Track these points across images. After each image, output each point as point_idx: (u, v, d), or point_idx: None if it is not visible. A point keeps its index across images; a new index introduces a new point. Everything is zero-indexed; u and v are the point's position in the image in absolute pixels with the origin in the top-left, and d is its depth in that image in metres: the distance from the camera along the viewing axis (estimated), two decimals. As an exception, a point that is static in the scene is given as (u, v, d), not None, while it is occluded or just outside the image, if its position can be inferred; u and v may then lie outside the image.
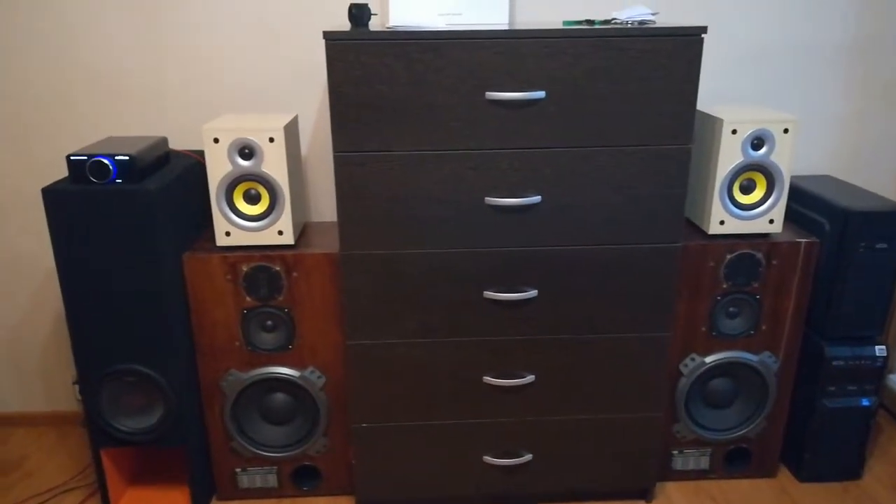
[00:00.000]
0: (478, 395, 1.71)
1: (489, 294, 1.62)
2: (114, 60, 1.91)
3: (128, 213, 1.56)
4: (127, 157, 1.55)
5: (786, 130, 1.65)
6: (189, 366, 1.73)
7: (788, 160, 1.67)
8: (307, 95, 1.95)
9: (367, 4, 1.60)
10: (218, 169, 1.61)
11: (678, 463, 1.92)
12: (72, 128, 1.96)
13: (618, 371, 1.71)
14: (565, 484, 1.82)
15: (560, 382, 1.71)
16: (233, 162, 1.61)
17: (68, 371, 2.19)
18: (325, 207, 2.05)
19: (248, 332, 1.72)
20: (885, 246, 1.74)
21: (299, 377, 1.75)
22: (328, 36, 1.43)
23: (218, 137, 1.58)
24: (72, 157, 1.55)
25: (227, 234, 1.66)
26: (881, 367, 1.83)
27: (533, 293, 1.62)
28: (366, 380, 1.69)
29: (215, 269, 1.66)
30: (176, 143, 1.97)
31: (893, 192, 2.13)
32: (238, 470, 1.85)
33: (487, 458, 1.77)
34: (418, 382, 1.70)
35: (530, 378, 1.70)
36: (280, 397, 1.79)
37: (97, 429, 1.75)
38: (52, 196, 1.55)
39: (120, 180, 1.56)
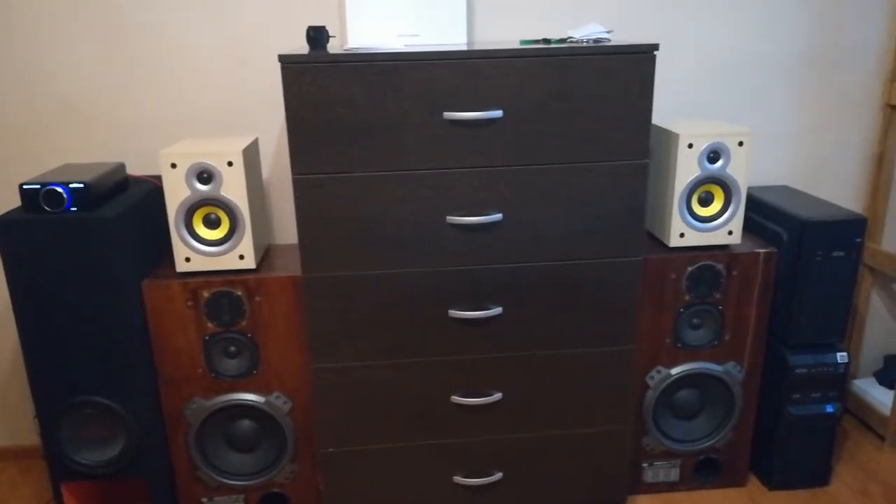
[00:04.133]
0: (446, 415, 1.70)
1: (454, 313, 1.61)
2: (73, 87, 1.88)
3: (84, 241, 1.53)
4: (81, 185, 1.52)
5: (741, 143, 1.68)
6: (151, 395, 1.70)
7: (744, 172, 1.70)
8: (269, 118, 1.94)
9: (324, 27, 1.61)
10: (176, 194, 1.59)
11: (649, 475, 1.92)
12: (31, 155, 1.93)
13: (585, 385, 1.71)
14: (536, 501, 1.81)
15: (528, 399, 1.71)
16: (191, 187, 1.59)
17: (29, 404, 2.14)
18: (288, 229, 2.03)
19: (211, 359, 1.69)
20: (841, 254, 1.77)
21: (264, 403, 1.73)
22: (284, 59, 1.42)
23: (175, 162, 1.57)
24: (25, 186, 1.52)
25: (188, 259, 1.63)
26: (843, 374, 1.86)
27: (498, 310, 1.62)
28: (332, 404, 1.67)
29: (176, 296, 1.63)
30: (138, 169, 1.95)
31: (849, 201, 2.18)
32: (204, 500, 1.81)
33: (457, 479, 1.76)
34: (386, 404, 1.68)
35: (498, 396, 1.69)
36: (246, 424, 1.77)
37: (57, 462, 1.71)
38: (5, 226, 1.52)
39: (75, 208, 1.54)
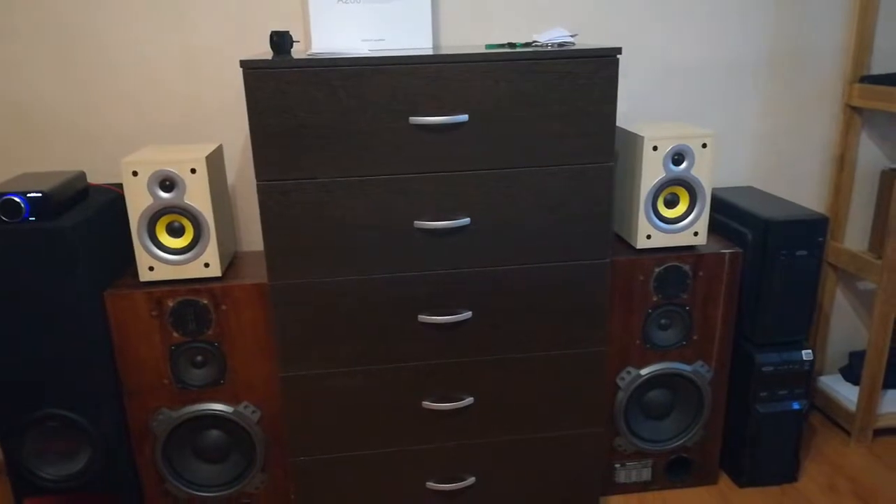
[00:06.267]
0: (417, 421, 1.70)
1: (423, 318, 1.61)
2: (31, 97, 1.84)
3: (43, 251, 1.50)
4: (39, 194, 1.49)
5: (704, 145, 1.70)
6: (116, 407, 1.66)
7: (708, 174, 1.72)
8: (234, 123, 1.92)
9: (288, 32, 1.59)
10: (138, 203, 1.57)
11: (621, 476, 1.93)
12: (-14, 164, 1.89)
13: (556, 388, 1.72)
14: (510, 505, 1.81)
15: (499, 403, 1.71)
16: (153, 195, 1.56)
17: (-10, 418, 2.08)
18: (255, 236, 2.01)
19: (178, 369, 1.66)
20: (804, 253, 1.80)
21: (233, 412, 1.71)
22: (246, 65, 1.41)
23: (137, 170, 1.54)
24: (-19, 196, 1.49)
25: (151, 268, 1.61)
26: (809, 371, 1.88)
27: (467, 314, 1.62)
28: (302, 412, 1.65)
29: (139, 306, 1.61)
30: (100, 178, 1.91)
31: (812, 201, 2.22)
32: (173, 512, 1.78)
33: (430, 484, 1.75)
34: (356, 411, 1.67)
35: (469, 400, 1.69)
36: (214, 434, 1.74)
37: (20, 478, 1.67)
38: (-40, 237, 1.48)
39: (33, 218, 1.50)
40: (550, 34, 1.65)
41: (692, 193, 1.74)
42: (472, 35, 1.94)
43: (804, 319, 1.87)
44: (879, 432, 2.18)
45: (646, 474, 1.94)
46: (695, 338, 1.83)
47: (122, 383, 1.67)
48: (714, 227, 1.94)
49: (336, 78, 1.43)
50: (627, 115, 2.06)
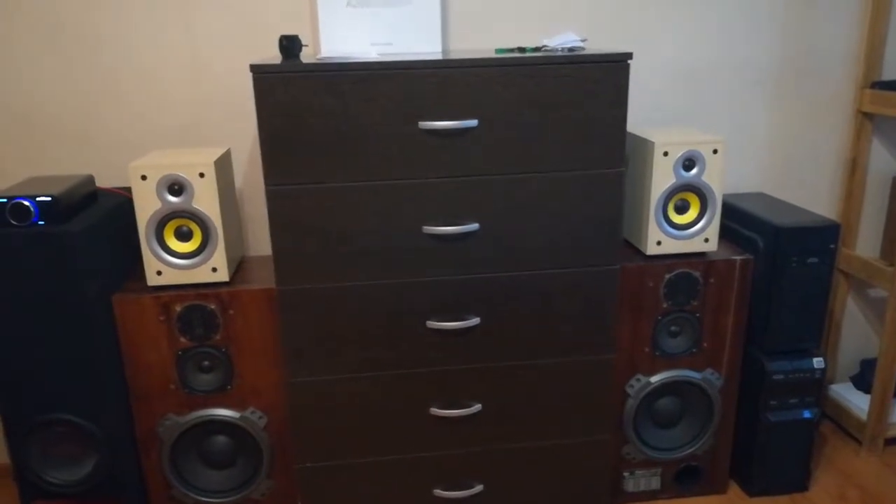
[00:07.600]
0: (425, 428, 1.68)
1: (432, 324, 1.60)
2: (39, 101, 1.85)
3: (52, 255, 1.50)
4: (49, 198, 1.49)
5: (715, 151, 1.69)
6: (122, 412, 1.66)
7: (719, 180, 1.71)
8: (242, 128, 1.92)
9: (297, 36, 1.59)
10: (147, 207, 1.56)
11: (630, 485, 1.91)
12: (-5, 168, 1.89)
13: (564, 395, 1.70)
14: (517, 513, 1.79)
15: (507, 410, 1.70)
16: (162, 199, 1.56)
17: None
18: (263, 241, 2.01)
19: (185, 374, 1.66)
20: (816, 260, 1.78)
21: (239, 418, 1.70)
22: (255, 69, 1.41)
23: (145, 175, 1.54)
24: (-10, 200, 1.49)
25: (159, 273, 1.60)
26: (820, 379, 1.87)
27: (475, 321, 1.61)
28: (309, 418, 1.64)
29: (147, 310, 1.60)
30: (108, 182, 1.91)
31: (823, 207, 2.20)
32: (179, 518, 1.77)
33: (438, 492, 1.74)
34: (363, 418, 1.66)
35: (477, 407, 1.68)
36: (220, 440, 1.73)
37: (27, 482, 1.67)
38: (-31, 241, 1.48)
39: (42, 222, 1.50)
40: (560, 39, 1.64)
41: (703, 199, 1.72)
42: (481, 39, 1.94)
43: (815, 327, 1.85)
44: (891, 441, 2.16)
45: (655, 483, 1.92)
46: (705, 345, 1.81)
47: (129, 388, 1.66)
48: (725, 234, 1.93)
49: (345, 82, 1.43)
50: (637, 119, 2.05)
